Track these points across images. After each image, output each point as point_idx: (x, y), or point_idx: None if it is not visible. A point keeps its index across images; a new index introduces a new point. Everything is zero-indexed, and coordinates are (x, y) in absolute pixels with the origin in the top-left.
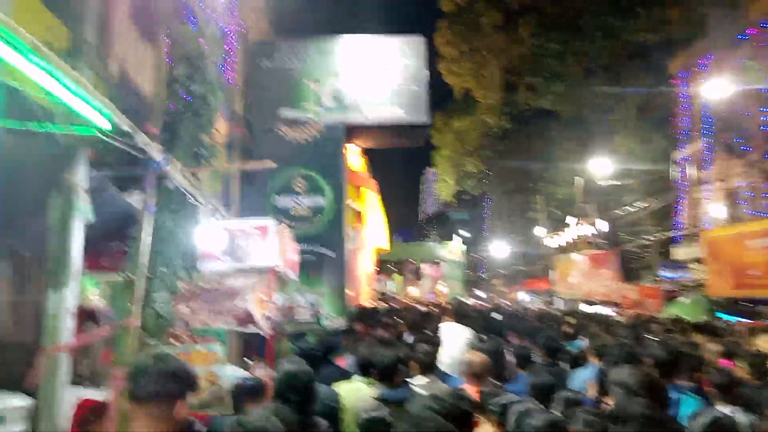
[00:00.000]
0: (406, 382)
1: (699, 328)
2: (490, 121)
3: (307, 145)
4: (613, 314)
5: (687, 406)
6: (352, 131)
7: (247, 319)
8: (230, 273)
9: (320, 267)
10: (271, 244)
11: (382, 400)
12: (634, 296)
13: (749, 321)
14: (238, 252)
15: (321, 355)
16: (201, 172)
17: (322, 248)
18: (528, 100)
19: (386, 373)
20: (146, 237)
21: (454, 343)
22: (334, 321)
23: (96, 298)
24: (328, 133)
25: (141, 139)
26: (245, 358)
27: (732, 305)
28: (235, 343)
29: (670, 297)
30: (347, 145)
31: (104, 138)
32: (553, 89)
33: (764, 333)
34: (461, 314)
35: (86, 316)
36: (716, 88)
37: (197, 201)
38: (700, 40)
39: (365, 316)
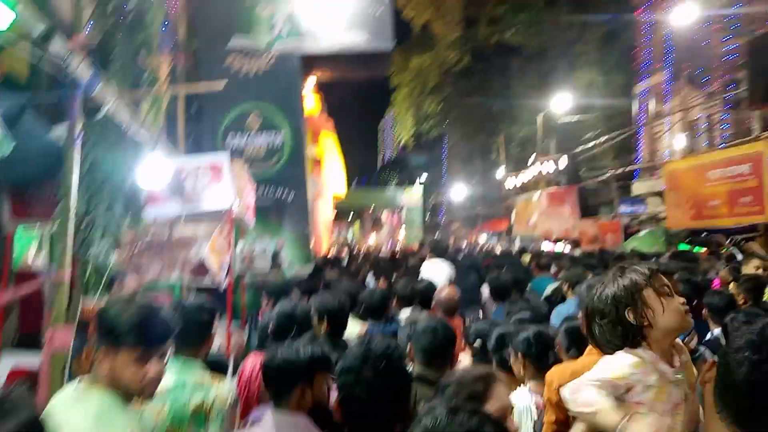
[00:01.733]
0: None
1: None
2: (450, 57)
3: (261, 77)
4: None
5: None
6: (309, 62)
7: (202, 270)
8: (181, 219)
9: (280, 212)
10: (226, 185)
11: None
12: (593, 232)
13: (707, 250)
14: (188, 194)
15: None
16: (140, 101)
17: (281, 190)
18: (489, 35)
19: (375, 310)
20: (74, 176)
21: (436, 278)
22: (299, 270)
23: (33, 254)
24: (284, 64)
25: (61, 47)
26: None
27: (690, 236)
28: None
29: (630, 232)
30: (305, 79)
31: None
32: (517, 19)
33: (751, 258)
34: (440, 251)
35: (24, 277)
36: (678, 15)
37: (136, 134)
38: None
39: (332, 263)
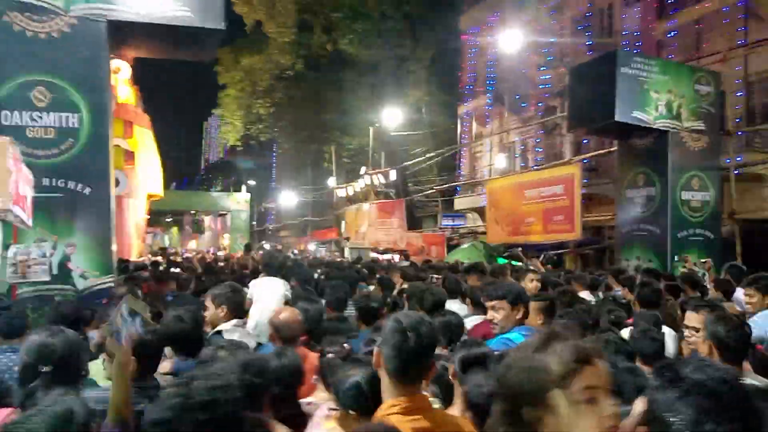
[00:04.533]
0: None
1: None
2: (282, 61)
3: (53, 43)
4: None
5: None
6: (119, 33)
7: None
8: None
9: (73, 210)
10: None
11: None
12: (419, 243)
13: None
14: None
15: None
16: None
17: (73, 182)
18: (324, 44)
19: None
20: None
21: (268, 299)
22: (92, 280)
23: None
24: (85, 30)
25: None
26: None
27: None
28: None
29: (451, 244)
30: (116, 55)
31: None
32: (352, 28)
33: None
34: (273, 266)
35: None
36: (501, 43)
37: None
38: None
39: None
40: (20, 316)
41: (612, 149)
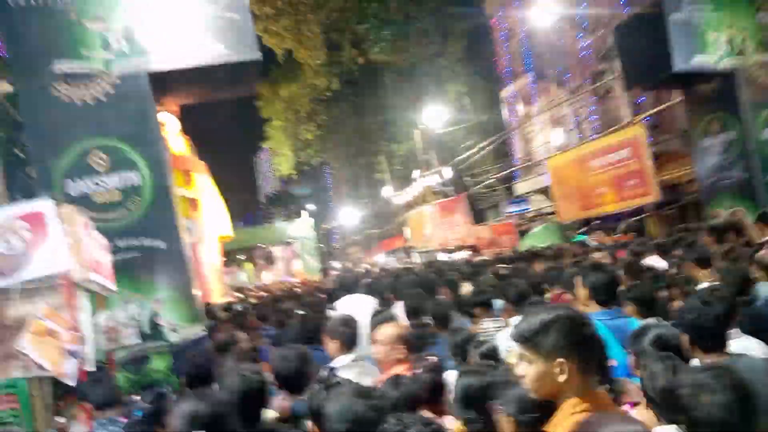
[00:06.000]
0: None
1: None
2: (318, 83)
3: (101, 106)
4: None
5: None
6: (161, 84)
7: (30, 363)
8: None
9: (151, 266)
10: (54, 239)
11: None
12: (488, 236)
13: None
14: None
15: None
16: None
17: (148, 239)
18: (355, 58)
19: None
20: None
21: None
22: (183, 331)
23: None
24: (129, 88)
25: None
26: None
27: (584, 225)
28: (45, 389)
29: (520, 230)
30: (161, 105)
31: None
32: (380, 36)
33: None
34: (347, 285)
35: None
36: (532, 19)
37: None
38: None
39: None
40: (112, 385)
41: (676, 101)
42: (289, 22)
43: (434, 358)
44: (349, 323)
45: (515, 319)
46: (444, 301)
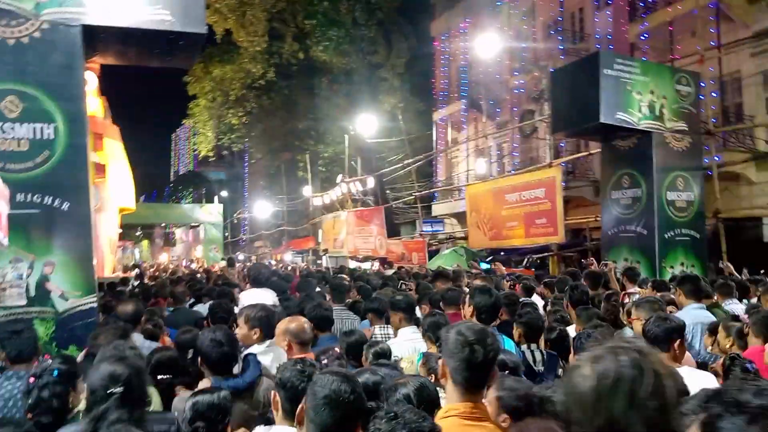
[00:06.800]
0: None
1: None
2: (253, 70)
3: (23, 48)
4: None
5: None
6: (92, 39)
7: None
8: None
9: (50, 226)
10: None
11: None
12: (399, 250)
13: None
14: None
15: None
16: None
17: (53, 198)
18: (296, 52)
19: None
20: None
21: None
22: (76, 300)
23: None
24: (58, 36)
25: None
26: None
27: (490, 255)
28: None
29: (430, 250)
30: (88, 62)
31: None
32: (326, 35)
33: None
34: (260, 279)
35: None
36: (474, 48)
37: None
38: (461, 1)
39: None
40: (32, 340)
41: (593, 152)
42: (234, 2)
43: (337, 350)
44: (271, 314)
45: (404, 330)
46: (325, 305)
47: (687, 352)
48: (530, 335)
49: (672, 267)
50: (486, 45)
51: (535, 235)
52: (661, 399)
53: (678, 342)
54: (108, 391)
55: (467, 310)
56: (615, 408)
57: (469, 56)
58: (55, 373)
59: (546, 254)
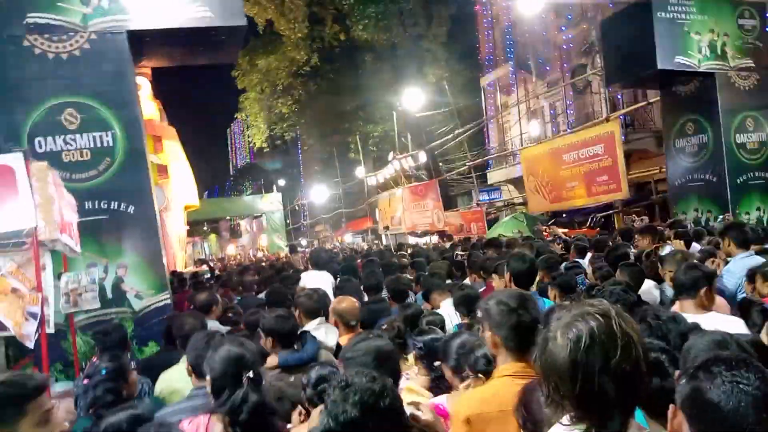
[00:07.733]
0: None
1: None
2: (297, 57)
3: (76, 61)
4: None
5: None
6: (138, 43)
7: None
8: None
9: (119, 230)
10: (22, 195)
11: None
12: (457, 222)
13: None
14: None
15: None
16: None
17: (119, 203)
18: (337, 34)
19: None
20: None
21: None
22: (147, 299)
23: None
24: (106, 45)
25: None
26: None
27: (552, 218)
28: None
29: (488, 219)
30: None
31: None
32: (365, 13)
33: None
34: (319, 262)
35: None
36: (519, 6)
37: None
38: None
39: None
40: (121, 339)
41: (652, 101)
42: None
43: (397, 324)
44: (321, 295)
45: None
46: (402, 279)
47: (720, 298)
48: (564, 294)
49: (747, 213)
50: (529, 2)
51: (598, 193)
52: (628, 357)
53: (704, 289)
54: (243, 376)
55: (505, 276)
56: (590, 371)
57: (513, 16)
58: (103, 371)
59: (611, 211)
